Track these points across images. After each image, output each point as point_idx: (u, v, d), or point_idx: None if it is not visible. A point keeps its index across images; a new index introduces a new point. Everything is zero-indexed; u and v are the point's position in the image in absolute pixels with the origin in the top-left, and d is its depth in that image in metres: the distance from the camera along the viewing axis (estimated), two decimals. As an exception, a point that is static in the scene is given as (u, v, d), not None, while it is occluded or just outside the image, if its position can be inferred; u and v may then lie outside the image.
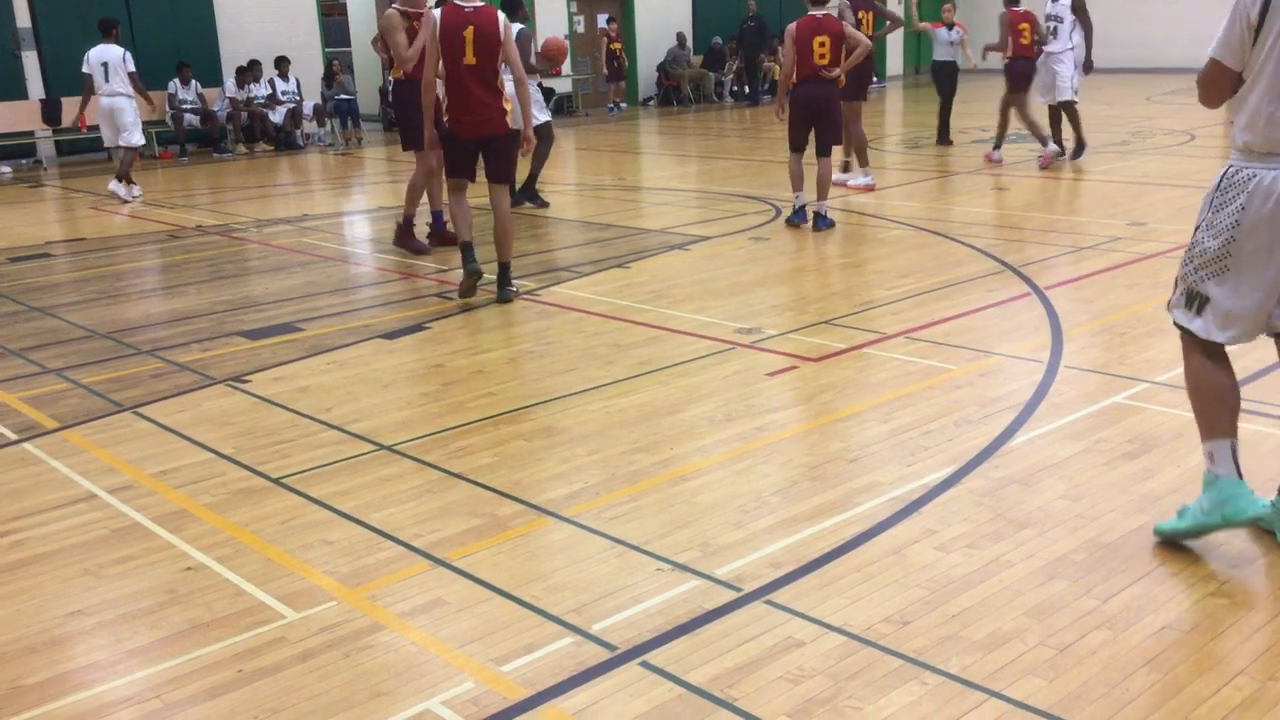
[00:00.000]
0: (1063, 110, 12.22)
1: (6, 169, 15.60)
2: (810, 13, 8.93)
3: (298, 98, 17.51)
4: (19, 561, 3.81)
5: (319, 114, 17.93)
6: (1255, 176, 3.35)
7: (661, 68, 23.36)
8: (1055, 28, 11.96)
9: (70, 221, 11.59)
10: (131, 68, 12.45)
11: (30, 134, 16.03)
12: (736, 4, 23.53)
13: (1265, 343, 3.64)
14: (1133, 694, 2.83)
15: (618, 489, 4.21)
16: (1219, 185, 3.44)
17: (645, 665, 3.04)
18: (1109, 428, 4.63)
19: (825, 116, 8.97)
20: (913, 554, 3.60)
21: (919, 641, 3.10)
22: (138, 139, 12.66)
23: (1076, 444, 4.50)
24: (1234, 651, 3.00)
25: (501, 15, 6.95)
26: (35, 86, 16.14)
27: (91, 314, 7.31)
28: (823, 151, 9.13)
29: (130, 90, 12.45)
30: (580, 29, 22.68)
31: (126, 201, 12.33)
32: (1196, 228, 3.50)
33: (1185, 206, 9.34)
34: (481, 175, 7.15)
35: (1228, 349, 3.53)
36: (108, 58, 12.30)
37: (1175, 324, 3.60)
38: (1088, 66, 12.29)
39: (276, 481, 4.41)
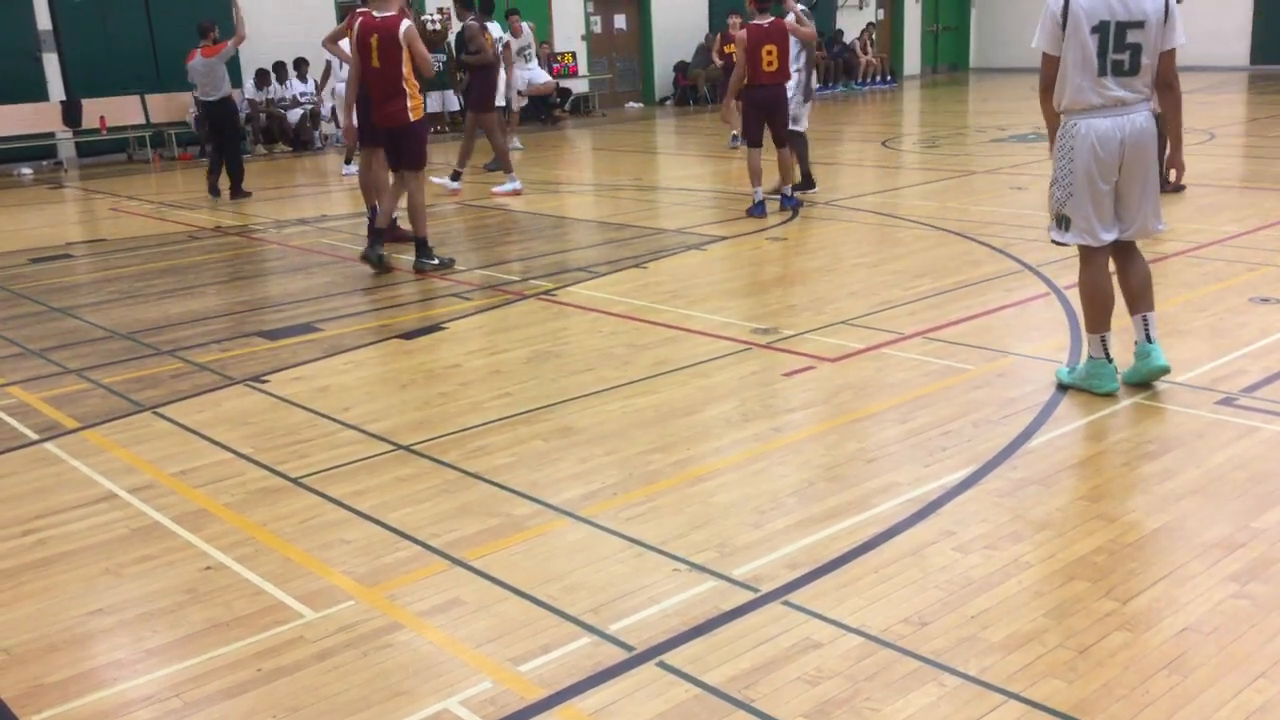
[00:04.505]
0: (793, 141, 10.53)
1: (27, 170, 15.72)
2: (756, 21, 9.52)
3: (316, 99, 17.58)
4: (41, 560, 3.84)
5: (337, 115, 17.98)
6: (1077, 126, 4.75)
7: (678, 67, 23.34)
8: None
9: (90, 222, 11.67)
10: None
11: (51, 135, 16.14)
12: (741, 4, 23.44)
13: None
14: (1153, 696, 2.81)
15: (635, 489, 4.21)
16: (1060, 137, 4.82)
17: (662, 665, 3.04)
18: (1129, 428, 4.61)
19: (776, 114, 9.78)
20: (931, 555, 3.59)
21: (938, 643, 3.09)
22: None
23: (1096, 444, 4.48)
24: (1255, 653, 2.98)
25: (404, 23, 7.69)
26: (56, 88, 16.23)
27: (112, 314, 7.36)
28: (779, 144, 9.90)
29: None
30: (597, 29, 22.69)
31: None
32: (1054, 170, 4.87)
33: (1206, 205, 9.28)
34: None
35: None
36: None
37: (1055, 242, 5.00)
38: (807, 93, 10.64)
39: (295, 481, 4.43)
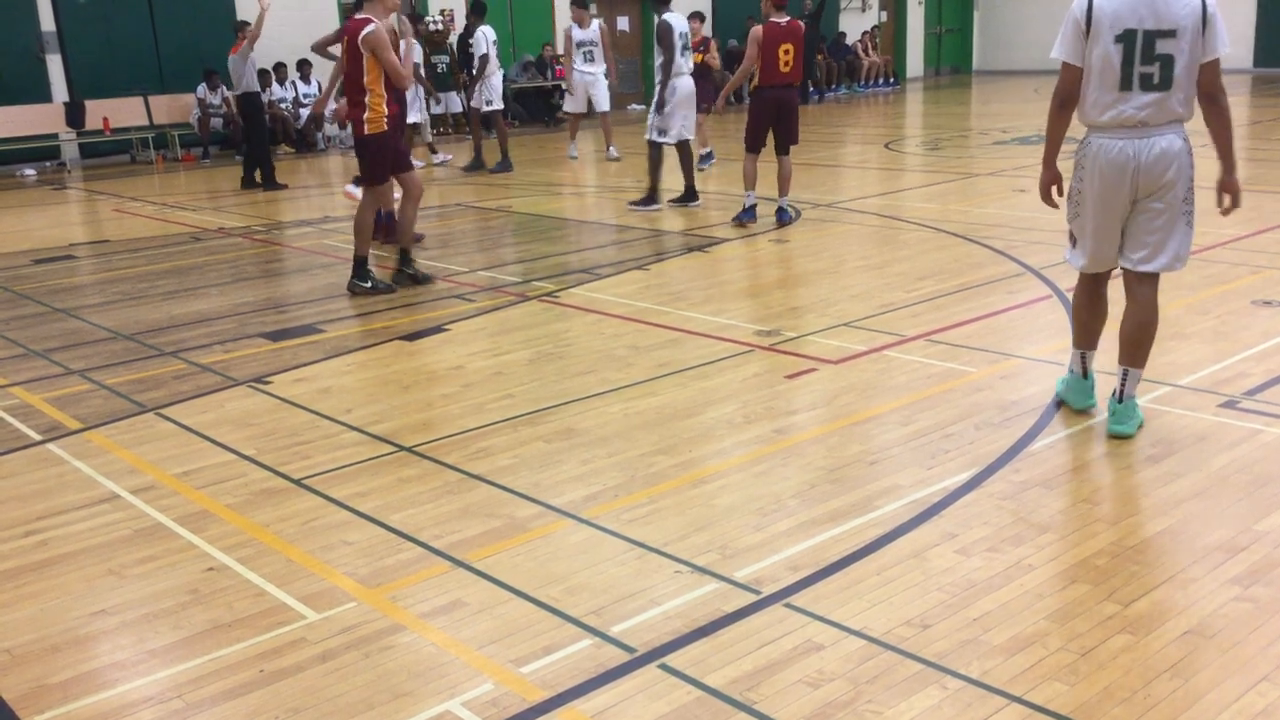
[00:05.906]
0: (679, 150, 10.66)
1: (31, 171, 15.73)
2: (774, 19, 9.22)
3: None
4: (43, 561, 3.85)
5: (339, 116, 18.01)
6: (1090, 144, 4.44)
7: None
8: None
9: (94, 224, 11.68)
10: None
11: (54, 136, 16.16)
12: (753, 6, 23.44)
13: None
14: (1155, 699, 2.81)
15: (637, 491, 4.21)
16: (1077, 151, 4.50)
17: (664, 668, 3.04)
18: (1131, 431, 4.60)
19: (788, 118, 9.40)
20: (933, 557, 3.59)
21: (939, 645, 3.09)
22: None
23: (1098, 447, 4.48)
24: (1257, 657, 2.98)
25: (367, 27, 7.08)
26: (59, 90, 16.25)
27: (115, 316, 7.37)
28: (783, 150, 9.47)
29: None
30: (600, 31, 22.63)
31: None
32: (1070, 185, 4.60)
33: (1205, 209, 9.26)
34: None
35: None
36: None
37: (1068, 260, 4.72)
38: (661, 104, 10.48)
39: (297, 482, 4.43)
